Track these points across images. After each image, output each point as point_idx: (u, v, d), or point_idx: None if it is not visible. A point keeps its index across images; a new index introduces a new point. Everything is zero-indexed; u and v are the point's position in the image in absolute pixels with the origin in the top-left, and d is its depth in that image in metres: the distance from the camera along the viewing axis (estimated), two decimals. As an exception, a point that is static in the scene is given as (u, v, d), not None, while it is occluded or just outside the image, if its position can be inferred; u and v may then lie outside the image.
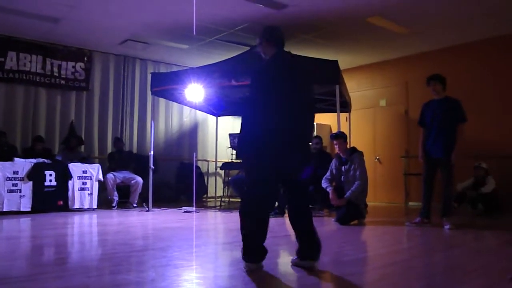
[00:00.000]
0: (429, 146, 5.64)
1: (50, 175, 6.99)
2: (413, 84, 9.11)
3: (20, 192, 6.66)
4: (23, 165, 6.76)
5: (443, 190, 5.56)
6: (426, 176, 5.68)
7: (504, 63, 7.91)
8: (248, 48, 7.90)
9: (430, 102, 5.77)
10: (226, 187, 10.18)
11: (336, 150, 6.16)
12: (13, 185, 6.61)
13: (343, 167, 6.04)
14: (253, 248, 3.09)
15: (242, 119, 3.20)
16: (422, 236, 4.99)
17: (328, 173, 6.20)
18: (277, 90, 3.10)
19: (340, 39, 8.23)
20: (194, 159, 9.63)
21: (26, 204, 6.69)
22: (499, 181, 7.32)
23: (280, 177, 3.19)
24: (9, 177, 6.59)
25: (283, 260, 3.64)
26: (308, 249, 3.17)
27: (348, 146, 6.21)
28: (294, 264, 3.22)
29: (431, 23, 7.43)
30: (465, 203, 7.42)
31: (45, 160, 7.10)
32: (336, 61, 6.69)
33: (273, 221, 6.16)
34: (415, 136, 8.65)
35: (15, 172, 6.66)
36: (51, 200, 6.97)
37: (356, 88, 9.90)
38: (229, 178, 9.36)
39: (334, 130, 7.94)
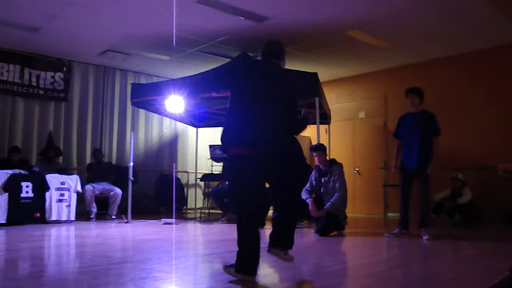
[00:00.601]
0: (405, 158, 5.74)
1: (27, 186, 6.87)
2: (392, 96, 9.24)
3: (-4, 203, 6.53)
4: (-1, 176, 6.64)
5: (420, 201, 5.63)
6: (403, 188, 5.77)
7: (481, 77, 8.09)
8: (229, 59, 7.93)
9: (406, 115, 5.87)
10: (206, 198, 10.14)
11: (316, 161, 6.21)
12: (-12, 196, 6.48)
13: (322, 178, 6.08)
14: (252, 260, 3.10)
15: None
16: (400, 246, 5.04)
17: (307, 185, 6.23)
18: (255, 96, 3.17)
19: (320, 52, 8.33)
20: (174, 170, 9.59)
21: (1, 216, 6.54)
22: (475, 192, 7.46)
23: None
24: (-16, 189, 6.46)
25: (263, 272, 3.63)
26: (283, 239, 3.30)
27: (327, 158, 6.26)
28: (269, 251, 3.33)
29: (410, 37, 7.57)
30: (442, 214, 7.55)
31: (22, 171, 6.97)
32: (316, 73, 6.76)
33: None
34: (394, 148, 8.82)
35: (-9, 184, 6.54)
36: (28, 212, 6.84)
37: (336, 100, 10.01)
38: (209, 189, 9.33)
39: (314, 142, 8.00)
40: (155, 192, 9.73)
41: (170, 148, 10.48)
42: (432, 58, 8.67)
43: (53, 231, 6.25)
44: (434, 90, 8.48)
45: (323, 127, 8.33)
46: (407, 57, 8.69)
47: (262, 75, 3.31)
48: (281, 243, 3.31)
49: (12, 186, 6.70)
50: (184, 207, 10.30)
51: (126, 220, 7.44)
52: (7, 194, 6.62)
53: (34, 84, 8.50)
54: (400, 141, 5.87)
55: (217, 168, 9.67)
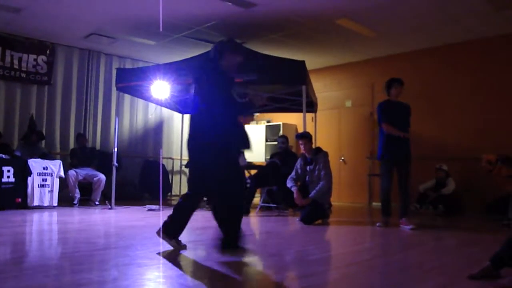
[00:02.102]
0: (391, 148, 5.69)
1: (8, 171, 6.77)
2: (379, 86, 9.23)
3: (-24, 188, 6.44)
4: (-21, 160, 6.53)
5: (402, 190, 5.61)
6: (387, 178, 5.71)
7: (467, 68, 8.13)
8: (216, 46, 7.86)
9: (390, 103, 5.83)
10: (191, 185, 10.10)
11: (302, 149, 6.21)
12: (-32, 180, 6.38)
13: (308, 167, 6.09)
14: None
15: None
16: (384, 236, 5.08)
17: (293, 173, 6.24)
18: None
19: (308, 40, 8.29)
20: (161, 156, 9.53)
21: (-18, 201, 6.47)
22: (459, 182, 7.54)
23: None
24: (-36, 173, 6.36)
25: (247, 259, 3.64)
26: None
27: (313, 146, 6.26)
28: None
29: (398, 27, 7.56)
30: (426, 204, 7.62)
31: (3, 156, 6.86)
32: (303, 61, 6.73)
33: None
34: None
35: (-29, 168, 6.43)
36: (9, 197, 6.75)
37: (323, 89, 10.00)
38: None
39: (300, 130, 8.01)
40: (139, 178, 9.67)
41: (155, 134, 10.41)
42: (418, 49, 8.69)
43: (35, 216, 6.19)
44: (419, 80, 8.53)
45: (309, 115, 8.33)
46: (394, 47, 8.69)
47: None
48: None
49: (-7, 171, 6.60)
50: (169, 194, 10.27)
51: (109, 206, 7.39)
52: (-12, 178, 6.53)
53: (16, 67, 8.33)
54: (389, 124, 5.86)
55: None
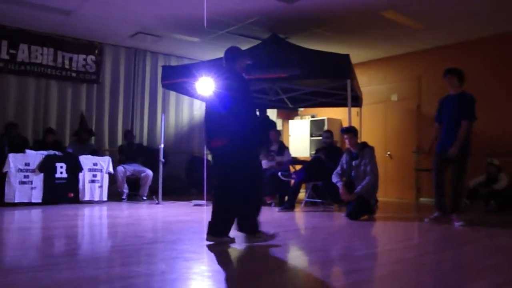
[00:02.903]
0: (441, 141, 5.54)
1: (61, 167, 7.03)
2: (426, 79, 9.02)
3: (32, 183, 6.72)
4: (34, 157, 6.81)
5: (452, 186, 5.43)
6: (437, 172, 5.56)
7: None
8: (259, 41, 7.87)
9: (447, 97, 5.65)
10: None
11: (347, 144, 6.13)
12: (24, 176, 6.67)
13: (353, 162, 6.00)
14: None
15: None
16: (433, 232, 4.94)
17: (338, 168, 6.17)
18: None
19: (353, 33, 8.16)
20: (205, 152, 9.63)
21: (37, 196, 6.74)
22: (512, 178, 7.25)
23: None
24: (20, 169, 6.65)
25: (292, 254, 3.63)
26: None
27: (358, 141, 6.17)
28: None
29: (446, 17, 7.32)
30: (477, 200, 7.37)
31: (56, 152, 7.14)
32: (348, 55, 6.63)
33: (282, 215, 6.17)
34: (427, 132, 8.60)
35: (27, 164, 6.72)
36: (62, 192, 7.01)
37: (368, 83, 9.83)
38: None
39: (345, 125, 7.91)
40: (185, 173, 9.82)
41: (200, 130, 10.53)
42: (467, 39, 8.37)
43: (86, 211, 6.40)
44: (470, 72, 8.21)
45: (354, 110, 8.21)
46: (442, 38, 8.41)
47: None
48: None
49: (47, 167, 6.87)
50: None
51: (157, 201, 7.55)
52: (42, 174, 6.80)
53: (67, 66, 8.63)
54: (440, 125, 5.65)
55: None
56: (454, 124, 5.40)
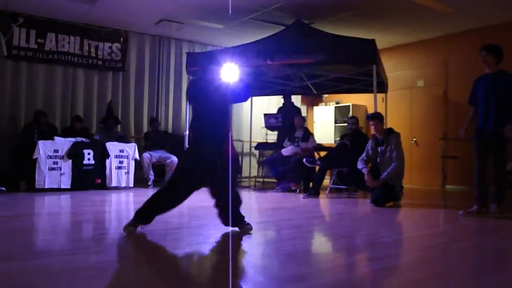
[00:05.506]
0: (480, 124, 5.02)
1: (89, 153, 7.16)
2: (453, 64, 8.82)
3: (60, 170, 6.86)
4: (63, 144, 6.94)
5: (494, 174, 4.94)
6: (479, 159, 5.01)
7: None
8: (283, 27, 7.82)
9: (481, 77, 5.13)
10: (261, 167, 10.20)
11: (372, 130, 6.07)
12: (53, 163, 6.81)
13: (379, 148, 5.94)
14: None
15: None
16: (460, 220, 4.86)
17: (364, 154, 6.12)
18: None
19: (378, 18, 8.02)
20: (230, 139, 9.68)
21: (65, 182, 6.89)
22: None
23: None
24: (50, 156, 6.79)
25: (318, 241, 3.63)
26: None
27: (384, 127, 6.10)
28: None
29: (475, 0, 7.12)
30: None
31: (84, 139, 7.26)
32: (373, 40, 6.54)
33: (307, 202, 6.17)
34: (454, 118, 8.43)
35: (56, 151, 6.86)
36: (90, 178, 7.15)
37: (393, 68, 9.67)
38: (264, 158, 9.37)
39: (370, 111, 7.82)
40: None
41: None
42: (496, 23, 8.13)
43: (113, 197, 6.51)
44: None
45: (380, 96, 8.11)
46: (469, 22, 8.18)
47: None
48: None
49: (75, 154, 7.00)
50: (239, 176, 10.42)
51: (182, 188, 7.61)
52: (70, 161, 6.94)
53: (93, 55, 8.73)
54: (475, 108, 5.12)
55: (272, 137, 9.67)
56: (492, 106, 4.90)
